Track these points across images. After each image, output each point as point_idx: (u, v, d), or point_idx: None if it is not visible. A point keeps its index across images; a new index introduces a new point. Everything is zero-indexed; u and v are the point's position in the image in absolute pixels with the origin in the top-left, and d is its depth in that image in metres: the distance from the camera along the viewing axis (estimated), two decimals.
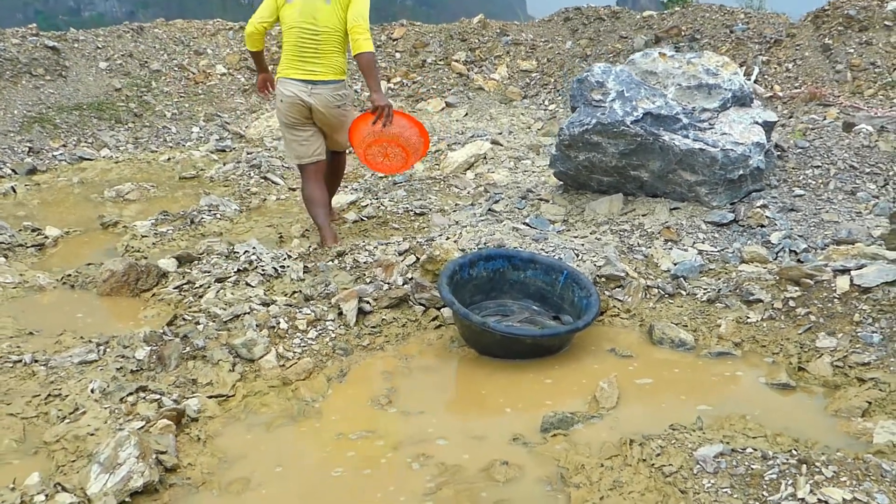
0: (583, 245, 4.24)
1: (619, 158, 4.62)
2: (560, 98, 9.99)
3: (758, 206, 4.55)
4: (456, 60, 10.74)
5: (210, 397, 3.10)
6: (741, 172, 4.53)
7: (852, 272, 3.48)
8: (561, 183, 5.20)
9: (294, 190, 6.63)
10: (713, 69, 4.72)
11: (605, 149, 4.60)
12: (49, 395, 3.13)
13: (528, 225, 4.65)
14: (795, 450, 2.56)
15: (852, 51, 8.06)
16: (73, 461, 2.70)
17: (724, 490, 2.35)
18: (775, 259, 4.19)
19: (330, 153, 5.13)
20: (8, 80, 9.23)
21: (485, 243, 4.26)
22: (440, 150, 7.50)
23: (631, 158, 4.60)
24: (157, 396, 3.04)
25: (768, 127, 4.76)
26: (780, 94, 7.95)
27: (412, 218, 5.42)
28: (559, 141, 4.77)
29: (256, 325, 3.51)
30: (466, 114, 9.63)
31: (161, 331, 3.51)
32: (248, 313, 3.63)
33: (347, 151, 5.39)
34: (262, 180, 6.90)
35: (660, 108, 4.51)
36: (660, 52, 4.79)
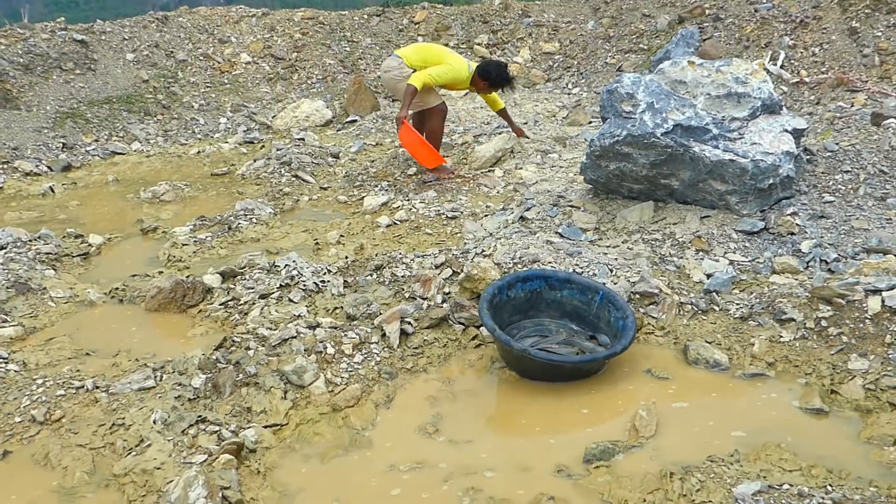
0: (616, 259, 4.32)
1: (650, 168, 4.67)
2: (584, 81, 9.96)
3: (788, 214, 4.59)
4: (478, 44, 10.72)
5: (265, 427, 3.24)
6: (771, 181, 4.56)
7: (884, 293, 3.54)
8: (591, 186, 5.26)
9: (325, 189, 6.74)
10: (742, 77, 4.72)
11: (635, 159, 4.66)
12: (113, 424, 3.28)
13: (560, 235, 4.73)
14: (831, 485, 2.67)
15: (880, 34, 7.96)
16: (144, 496, 2.86)
17: None
18: (806, 269, 4.24)
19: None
20: (39, 75, 9.35)
21: (520, 257, 4.35)
22: (467, 143, 7.55)
23: (661, 168, 4.65)
24: (216, 428, 3.19)
25: (797, 134, 4.78)
26: (807, 79, 7.90)
27: (444, 222, 5.51)
28: (590, 151, 4.83)
29: (305, 350, 3.64)
30: None
31: (214, 357, 3.65)
32: (296, 337, 3.75)
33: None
34: (294, 179, 7.00)
35: (689, 120, 4.54)
36: (689, 61, 4.79)
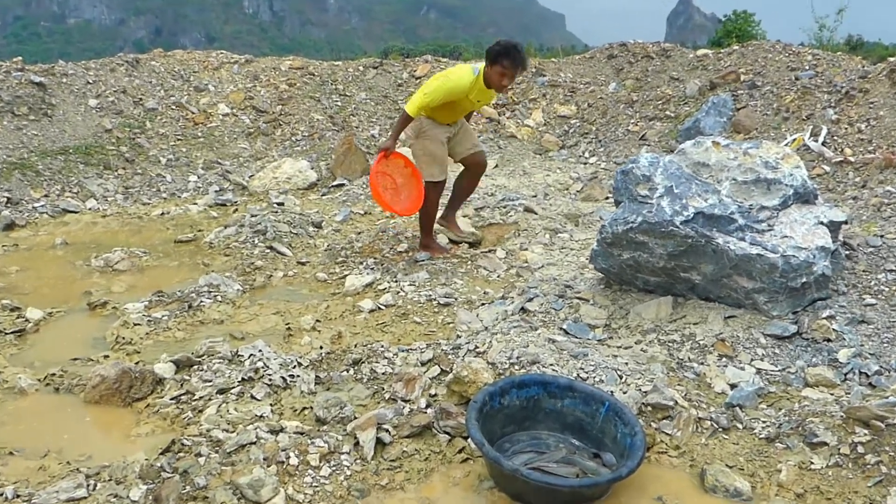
0: (627, 364, 4.34)
1: (668, 260, 4.73)
2: (602, 150, 10.14)
3: (823, 318, 4.63)
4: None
5: None
6: (804, 280, 4.61)
7: None
8: (602, 275, 5.31)
9: (303, 265, 6.80)
10: (772, 162, 4.82)
11: (651, 249, 4.72)
12: None
13: (565, 332, 4.76)
14: None
15: None
16: None
17: None
18: (844, 382, 4.26)
19: None
20: None
21: (517, 357, 4.37)
22: (467, 216, 7.64)
23: (681, 260, 4.71)
24: None
25: (835, 227, 4.85)
26: (852, 158, 8.05)
27: (436, 309, 5.54)
28: (601, 238, 4.90)
29: (264, 459, 3.62)
30: (497, 165, 9.80)
31: (159, 464, 3.63)
32: (255, 443, 3.74)
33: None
34: (268, 251, 7.07)
35: (713, 207, 4.62)
36: (713, 142, 4.90)
